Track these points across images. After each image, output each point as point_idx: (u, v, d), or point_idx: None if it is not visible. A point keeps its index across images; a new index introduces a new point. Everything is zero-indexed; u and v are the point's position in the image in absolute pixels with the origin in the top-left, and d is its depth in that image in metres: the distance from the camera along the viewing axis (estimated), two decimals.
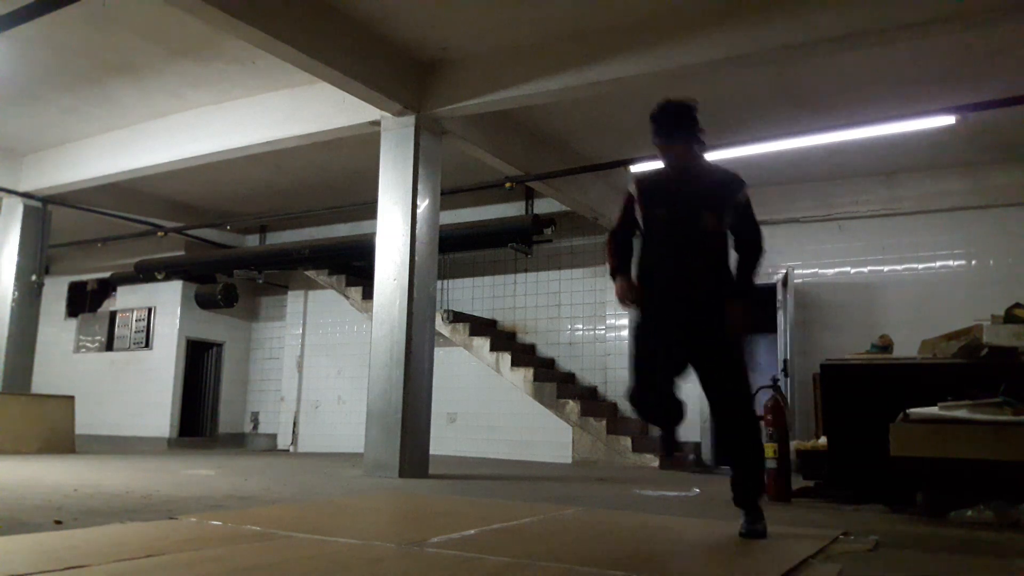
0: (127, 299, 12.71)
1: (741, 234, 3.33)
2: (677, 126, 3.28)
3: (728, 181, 3.36)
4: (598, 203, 9.44)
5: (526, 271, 10.74)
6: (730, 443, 3.26)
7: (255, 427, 12.72)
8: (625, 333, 9.98)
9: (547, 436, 9.11)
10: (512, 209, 10.11)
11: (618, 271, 3.40)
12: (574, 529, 3.32)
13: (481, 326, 10.35)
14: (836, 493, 5.06)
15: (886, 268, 8.90)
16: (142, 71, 7.23)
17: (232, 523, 3.02)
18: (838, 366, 5.22)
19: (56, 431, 8.44)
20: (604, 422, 8.91)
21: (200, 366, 12.58)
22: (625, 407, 9.80)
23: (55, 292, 13.04)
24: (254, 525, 2.96)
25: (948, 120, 6.75)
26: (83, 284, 13.61)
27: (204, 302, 12.04)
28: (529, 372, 9.39)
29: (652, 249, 3.36)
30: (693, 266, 3.25)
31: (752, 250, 3.31)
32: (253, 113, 7.63)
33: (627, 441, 8.73)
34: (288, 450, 11.53)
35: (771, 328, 9.11)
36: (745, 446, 3.22)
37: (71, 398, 8.88)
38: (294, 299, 12.27)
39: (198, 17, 5.37)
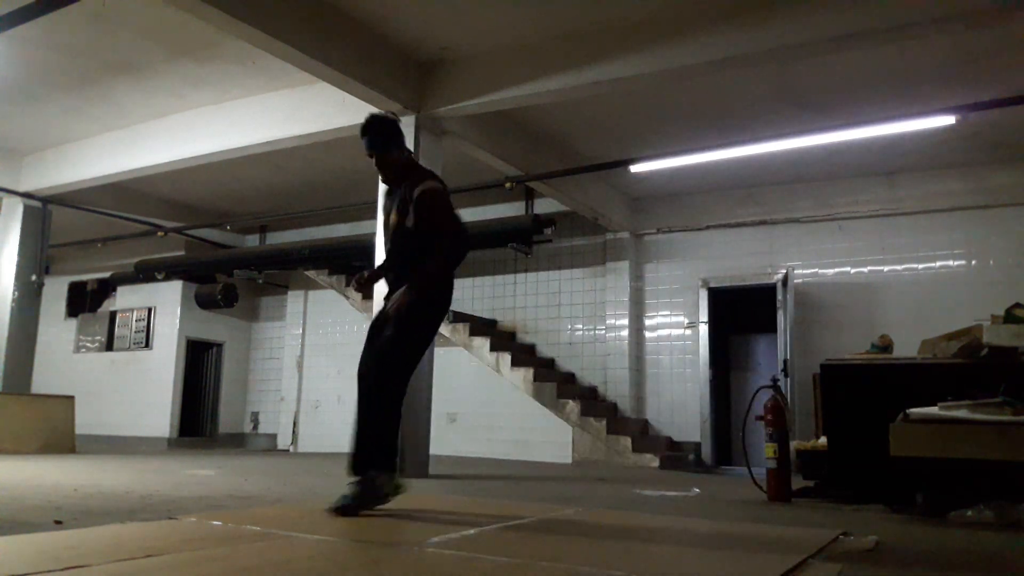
0: (127, 299, 12.71)
1: (422, 227, 3.45)
2: (384, 137, 3.53)
3: (415, 181, 3.52)
4: (598, 203, 9.45)
5: (526, 271, 10.75)
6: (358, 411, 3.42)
7: (255, 427, 12.72)
8: (625, 333, 9.99)
9: (547, 436, 9.12)
10: (512, 209, 10.11)
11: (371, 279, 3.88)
12: (574, 529, 3.32)
13: (481, 326, 10.35)
14: (836, 493, 5.06)
15: (886, 268, 8.90)
16: (142, 71, 7.23)
17: (232, 523, 3.02)
18: (838, 366, 5.21)
19: (56, 431, 8.44)
20: (604, 422, 8.91)
21: (200, 366, 12.59)
22: (625, 407, 9.81)
23: (55, 292, 13.04)
24: (254, 525, 2.96)
25: (948, 120, 6.75)
26: (83, 284, 13.61)
27: (204, 302, 12.04)
28: (529, 372, 9.39)
29: None
30: (388, 262, 3.63)
31: (432, 243, 3.42)
32: (253, 113, 7.63)
33: (627, 441, 8.73)
34: (288, 450, 11.53)
35: (771, 328, 9.12)
36: (362, 414, 3.36)
37: (71, 398, 8.88)
38: (294, 299, 12.27)
39: (198, 17, 5.37)
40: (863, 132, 7.19)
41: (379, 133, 3.54)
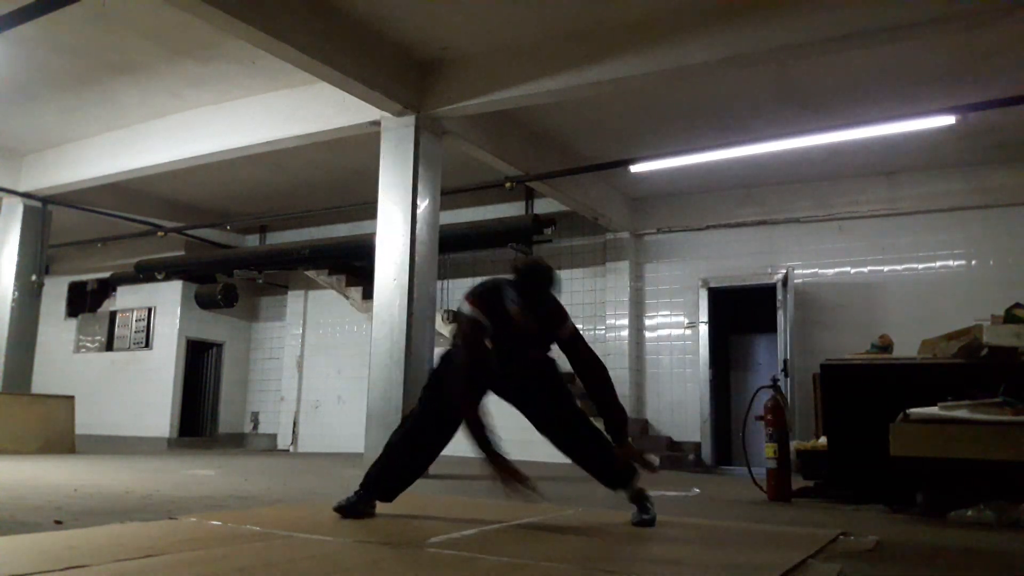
0: (127, 299, 12.71)
1: (579, 366, 3.53)
2: (545, 291, 3.34)
3: (551, 318, 3.44)
4: (598, 203, 9.45)
5: None
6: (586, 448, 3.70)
7: (255, 427, 12.72)
8: (625, 333, 9.98)
9: None
10: (512, 209, 10.11)
11: (491, 447, 3.29)
12: (574, 529, 3.32)
13: None
14: (836, 493, 5.06)
15: (886, 268, 8.90)
16: (142, 71, 7.22)
17: (232, 523, 3.02)
18: (838, 366, 5.21)
19: (56, 431, 8.44)
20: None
21: (200, 366, 12.58)
22: (625, 407, 9.79)
23: (55, 292, 13.03)
24: (254, 525, 2.96)
25: (948, 120, 6.75)
26: (83, 284, 13.60)
27: (204, 302, 12.03)
28: None
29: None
30: (518, 351, 3.52)
31: (597, 378, 3.56)
32: (253, 113, 7.63)
33: None
34: (288, 450, 11.53)
35: (771, 328, 9.11)
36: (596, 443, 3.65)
37: (71, 398, 8.88)
38: (294, 299, 12.27)
39: (198, 17, 5.37)
40: (863, 132, 7.19)
41: (535, 287, 3.32)
